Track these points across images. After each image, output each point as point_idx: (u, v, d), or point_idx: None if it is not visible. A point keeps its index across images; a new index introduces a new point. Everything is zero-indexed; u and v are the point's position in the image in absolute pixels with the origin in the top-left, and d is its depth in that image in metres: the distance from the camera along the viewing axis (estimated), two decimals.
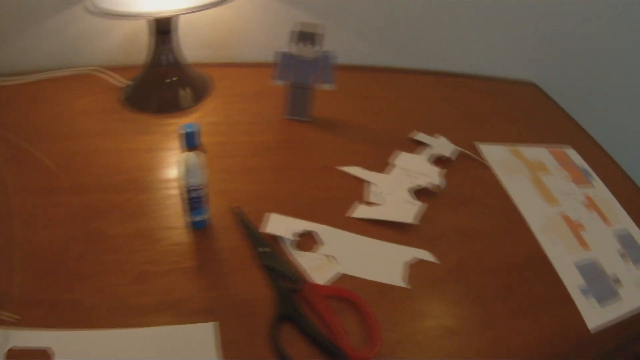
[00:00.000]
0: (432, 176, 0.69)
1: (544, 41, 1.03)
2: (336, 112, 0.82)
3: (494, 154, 0.80)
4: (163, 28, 0.70)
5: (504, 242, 0.63)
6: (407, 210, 0.63)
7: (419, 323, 0.51)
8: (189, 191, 0.51)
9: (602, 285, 0.61)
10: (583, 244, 0.66)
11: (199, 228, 0.57)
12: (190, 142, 0.67)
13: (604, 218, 0.73)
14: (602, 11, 0.99)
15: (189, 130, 0.66)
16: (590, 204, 0.75)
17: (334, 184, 0.67)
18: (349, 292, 0.51)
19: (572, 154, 0.87)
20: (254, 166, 0.67)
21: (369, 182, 0.67)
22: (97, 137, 0.68)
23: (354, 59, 0.99)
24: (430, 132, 0.80)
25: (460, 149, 0.77)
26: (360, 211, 0.62)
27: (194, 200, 0.53)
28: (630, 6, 1.00)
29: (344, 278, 0.54)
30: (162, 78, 0.75)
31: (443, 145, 0.76)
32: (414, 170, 0.70)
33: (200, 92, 0.79)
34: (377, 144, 0.76)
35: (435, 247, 0.59)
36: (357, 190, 0.66)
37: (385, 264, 0.56)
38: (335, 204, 0.63)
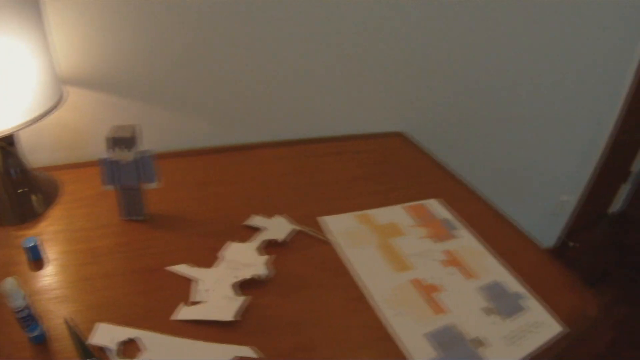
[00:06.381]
0: (257, 266, 0.74)
1: (407, 89, 1.05)
2: (173, 205, 0.84)
3: (338, 226, 0.79)
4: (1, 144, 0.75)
5: (341, 326, 0.63)
6: (228, 307, 0.68)
7: None
8: (15, 312, 0.57)
9: (458, 352, 0.57)
10: (437, 308, 0.64)
11: (39, 342, 0.61)
12: (34, 255, 0.73)
13: (467, 272, 0.70)
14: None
15: (29, 245, 0.72)
16: (451, 260, 0.72)
17: (163, 285, 0.71)
18: None
19: (433, 205, 0.84)
20: (90, 275, 0.71)
21: (194, 280, 0.72)
22: None
23: (196, 142, 0.98)
24: (270, 213, 0.82)
25: (296, 227, 0.80)
26: (183, 312, 0.67)
27: (23, 320, 0.58)
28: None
29: None
30: (14, 189, 0.81)
31: (278, 227, 0.80)
32: (240, 261, 0.75)
33: (49, 198, 0.84)
34: (209, 236, 0.78)
35: (262, 341, 0.62)
36: (185, 289, 0.70)
37: None
38: (163, 306, 0.67)
